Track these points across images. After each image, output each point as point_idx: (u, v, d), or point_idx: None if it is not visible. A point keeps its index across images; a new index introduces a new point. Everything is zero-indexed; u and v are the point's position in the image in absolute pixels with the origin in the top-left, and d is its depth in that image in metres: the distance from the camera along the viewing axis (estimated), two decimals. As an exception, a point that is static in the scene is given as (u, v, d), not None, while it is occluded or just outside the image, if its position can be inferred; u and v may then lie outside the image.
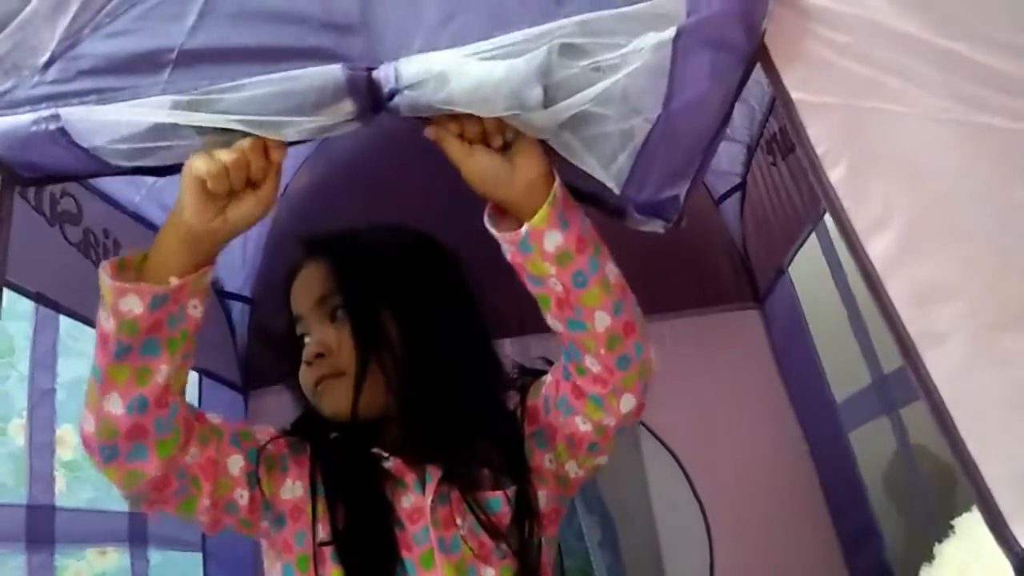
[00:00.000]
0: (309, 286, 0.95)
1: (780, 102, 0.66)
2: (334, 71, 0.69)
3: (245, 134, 0.71)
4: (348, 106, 0.70)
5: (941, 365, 0.58)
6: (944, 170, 0.61)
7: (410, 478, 0.89)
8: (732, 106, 0.73)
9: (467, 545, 0.87)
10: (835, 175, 0.62)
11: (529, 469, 0.92)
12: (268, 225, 1.69)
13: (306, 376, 0.92)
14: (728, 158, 1.51)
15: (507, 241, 0.81)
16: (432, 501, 0.87)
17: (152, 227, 1.36)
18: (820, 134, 0.63)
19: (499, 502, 0.89)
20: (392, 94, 0.70)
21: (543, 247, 0.79)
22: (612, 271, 0.84)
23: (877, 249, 0.61)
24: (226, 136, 0.71)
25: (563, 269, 0.80)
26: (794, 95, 0.64)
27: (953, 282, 0.59)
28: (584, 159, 0.75)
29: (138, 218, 1.31)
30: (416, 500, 0.88)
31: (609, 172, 0.74)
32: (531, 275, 0.82)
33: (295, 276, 0.97)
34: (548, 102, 0.68)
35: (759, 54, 0.66)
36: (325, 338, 0.91)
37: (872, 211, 0.62)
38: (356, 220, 1.03)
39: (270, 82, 0.69)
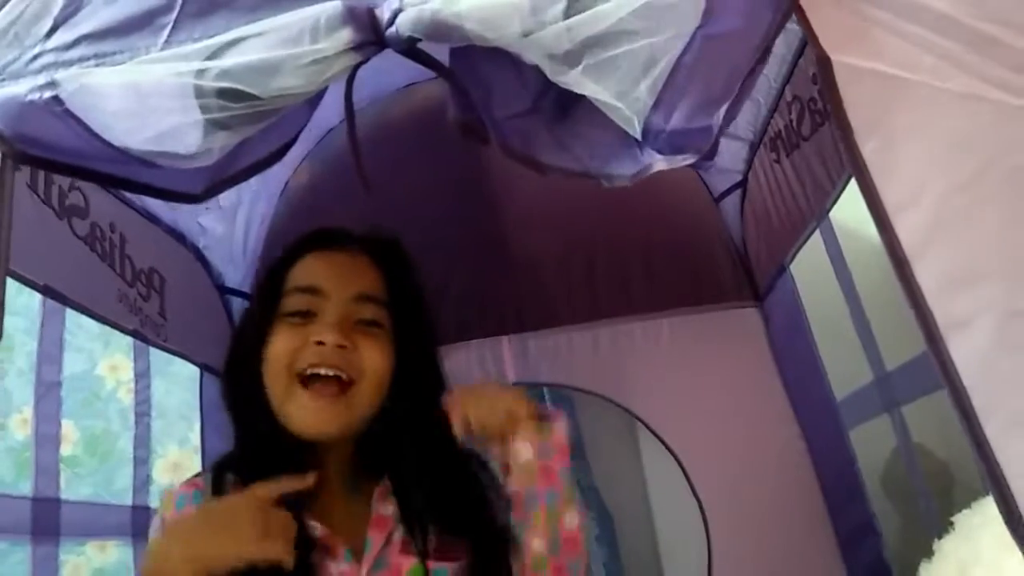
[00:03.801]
0: (352, 274, 0.92)
1: (816, 62, 0.64)
2: (334, 4, 0.67)
3: (241, 95, 0.69)
4: (347, 35, 0.67)
5: (964, 352, 0.58)
6: (975, 150, 0.61)
7: (340, 548, 0.86)
8: (772, 43, 0.69)
9: None
10: (868, 148, 0.62)
11: (494, 535, 0.90)
12: (268, 222, 1.69)
13: (303, 355, 0.86)
14: (730, 155, 1.51)
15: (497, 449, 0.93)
16: (368, 569, 0.85)
17: (157, 222, 1.36)
18: (854, 102, 0.62)
19: (444, 573, 0.87)
20: (393, 17, 0.67)
21: (517, 456, 0.91)
22: (569, 522, 0.91)
23: (906, 228, 0.60)
24: (224, 112, 0.69)
25: (519, 479, 0.90)
26: (832, 56, 0.62)
27: (978, 267, 0.59)
28: (596, 92, 0.69)
29: (144, 213, 1.31)
30: (347, 570, 0.85)
31: (628, 101, 0.68)
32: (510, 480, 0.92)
33: (325, 250, 0.94)
34: (569, 13, 0.63)
35: (795, 9, 0.64)
36: (349, 338, 0.87)
37: (903, 188, 0.61)
38: (371, 219, 1.01)
39: (269, 25, 0.67)
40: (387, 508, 0.90)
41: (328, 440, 0.89)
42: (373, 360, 0.88)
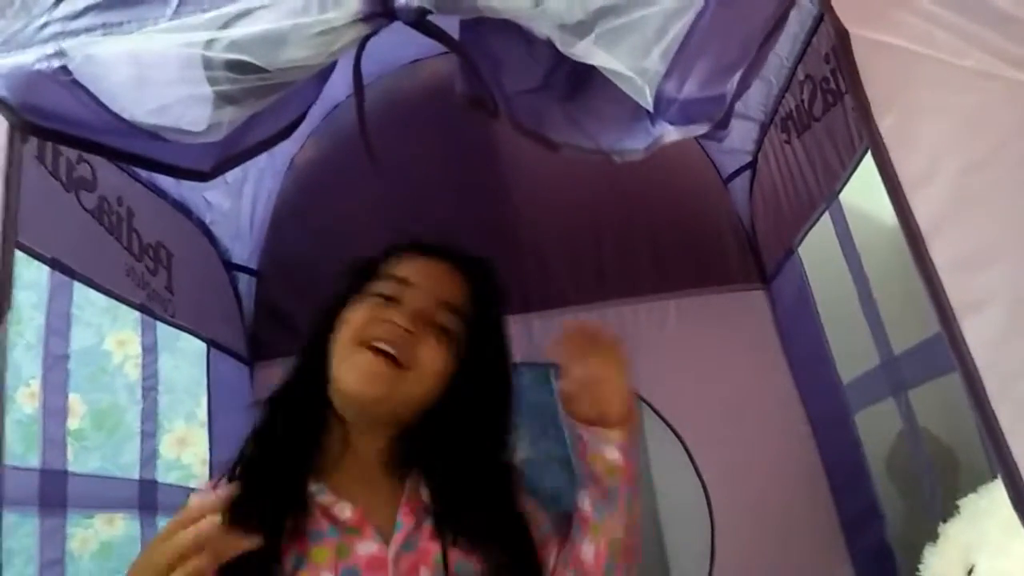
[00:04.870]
0: (444, 281, 0.96)
1: (834, 37, 0.63)
2: None
3: (249, 67, 0.68)
4: (355, 5, 0.67)
5: (978, 333, 0.57)
6: (991, 128, 0.60)
7: (368, 528, 0.87)
8: (788, 11, 0.69)
9: None
10: (885, 123, 0.61)
11: (524, 539, 0.92)
12: (274, 197, 1.69)
13: (372, 327, 0.90)
14: (740, 136, 1.50)
15: (583, 430, 0.96)
16: (396, 549, 0.86)
17: (164, 197, 1.36)
18: (872, 76, 0.62)
19: (470, 570, 0.87)
20: None
21: (603, 453, 0.94)
22: (638, 511, 0.98)
23: (922, 205, 0.60)
24: (233, 85, 0.69)
25: (605, 475, 0.95)
26: (850, 29, 0.62)
27: (995, 247, 0.59)
28: (608, 62, 0.69)
29: (151, 187, 1.31)
30: (375, 549, 0.86)
31: (639, 70, 0.68)
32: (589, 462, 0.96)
33: (428, 255, 0.99)
34: None
35: None
36: (420, 327, 0.91)
37: (919, 164, 0.60)
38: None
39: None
40: (421, 494, 0.91)
41: (368, 409, 0.91)
42: (429, 357, 0.91)
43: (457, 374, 0.94)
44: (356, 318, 0.92)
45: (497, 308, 1.01)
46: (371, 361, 0.88)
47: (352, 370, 0.89)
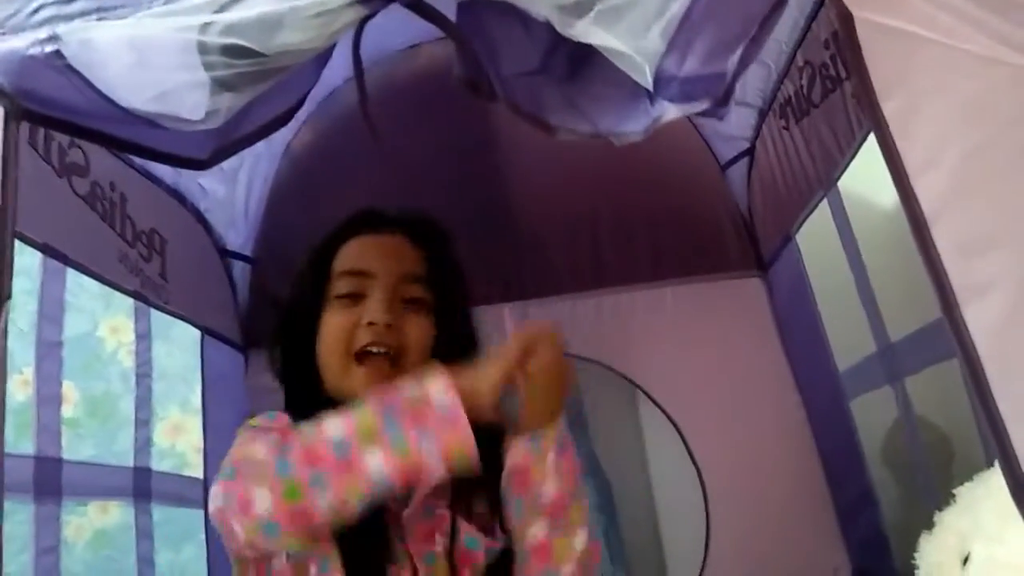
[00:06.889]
0: (399, 256, 0.97)
1: (837, 19, 0.63)
2: None
3: (245, 51, 0.68)
4: None
5: (980, 319, 0.57)
6: (995, 113, 0.60)
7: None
8: None
9: (441, 564, 0.87)
10: (889, 107, 0.61)
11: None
12: (270, 184, 1.67)
13: (356, 335, 0.92)
14: (738, 122, 1.49)
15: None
16: (413, 512, 0.87)
17: (158, 183, 1.35)
18: (876, 60, 0.62)
19: (478, 545, 0.88)
20: None
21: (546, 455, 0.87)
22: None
23: (926, 190, 0.60)
24: (229, 70, 0.68)
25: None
26: (854, 12, 0.62)
27: (997, 233, 0.59)
28: (607, 41, 0.68)
29: (145, 173, 1.30)
30: (393, 508, 0.87)
31: (639, 47, 0.67)
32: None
33: (369, 233, 0.99)
34: None
35: None
36: (395, 315, 0.92)
37: (923, 148, 0.60)
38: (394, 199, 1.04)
39: None
40: None
41: None
42: (416, 335, 0.94)
43: (438, 329, 0.96)
44: (335, 330, 0.93)
45: (450, 257, 1.02)
46: (373, 376, 0.90)
47: (360, 388, 0.89)
